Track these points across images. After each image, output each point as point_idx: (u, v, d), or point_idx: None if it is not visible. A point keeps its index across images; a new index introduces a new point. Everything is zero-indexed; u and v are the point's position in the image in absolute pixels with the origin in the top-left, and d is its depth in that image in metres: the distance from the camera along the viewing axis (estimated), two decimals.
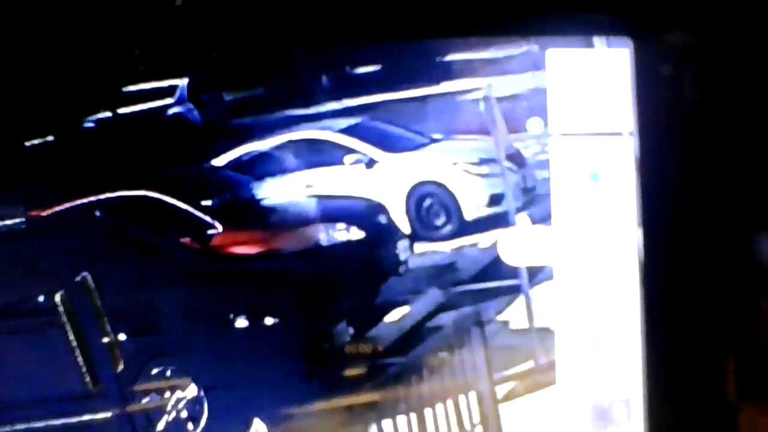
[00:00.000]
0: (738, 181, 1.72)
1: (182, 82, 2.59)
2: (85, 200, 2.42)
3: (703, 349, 1.77)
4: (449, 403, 2.28)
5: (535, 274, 2.22)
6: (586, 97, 1.78)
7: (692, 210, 1.75)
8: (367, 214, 2.54)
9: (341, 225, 2.49)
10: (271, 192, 2.53)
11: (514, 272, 2.28)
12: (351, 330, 2.39)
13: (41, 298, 2.32)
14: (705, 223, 1.74)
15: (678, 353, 1.77)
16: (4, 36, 1.80)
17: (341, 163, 2.60)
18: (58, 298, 2.31)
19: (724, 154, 1.73)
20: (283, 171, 2.54)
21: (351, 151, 2.61)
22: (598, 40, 1.77)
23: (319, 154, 2.58)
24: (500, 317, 2.40)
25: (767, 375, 1.76)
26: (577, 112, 1.79)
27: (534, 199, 2.40)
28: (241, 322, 2.39)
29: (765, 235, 1.74)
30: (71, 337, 2.31)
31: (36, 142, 2.44)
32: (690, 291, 1.75)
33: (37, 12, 1.79)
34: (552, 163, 1.81)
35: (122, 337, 2.34)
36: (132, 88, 2.47)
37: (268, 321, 2.39)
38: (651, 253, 1.76)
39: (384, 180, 2.59)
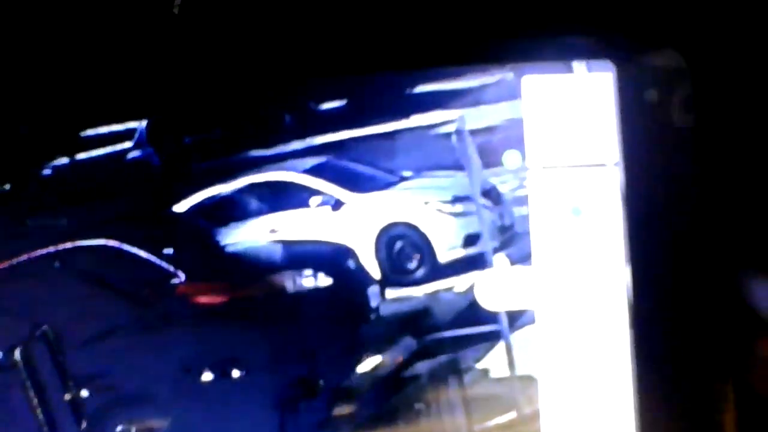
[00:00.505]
0: (732, 213, 1.61)
1: (141, 124, 2.50)
2: (43, 251, 2.38)
3: (699, 396, 1.67)
4: None
5: (516, 319, 2.13)
6: (566, 126, 1.68)
7: (683, 246, 1.65)
8: (334, 259, 2.48)
9: (308, 271, 2.42)
10: (234, 238, 2.48)
11: (493, 317, 2.19)
12: (321, 382, 2.31)
13: (0, 355, 2.26)
14: (697, 260, 1.65)
15: (671, 401, 1.67)
16: None
17: (307, 205, 2.54)
18: (17, 354, 2.25)
19: (717, 184, 1.63)
20: (247, 215, 2.50)
21: (317, 192, 2.55)
22: (578, 65, 1.67)
23: (283, 197, 2.53)
24: (479, 365, 2.31)
25: (765, 421, 1.65)
26: (557, 143, 1.69)
27: (512, 238, 2.34)
28: (207, 376, 2.34)
29: (759, 274, 1.61)
30: (32, 394, 2.25)
31: None
32: (683, 333, 1.65)
33: None
34: (531, 199, 1.72)
35: (85, 393, 2.29)
36: (89, 132, 2.42)
37: (235, 373, 2.34)
38: (640, 293, 1.66)
39: (352, 222, 2.51)
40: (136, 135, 2.55)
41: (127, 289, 2.41)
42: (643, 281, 1.68)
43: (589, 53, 1.67)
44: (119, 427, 2.31)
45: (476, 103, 2.27)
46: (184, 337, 2.36)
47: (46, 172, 2.46)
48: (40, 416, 2.26)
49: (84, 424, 2.29)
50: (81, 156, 2.47)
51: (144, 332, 2.35)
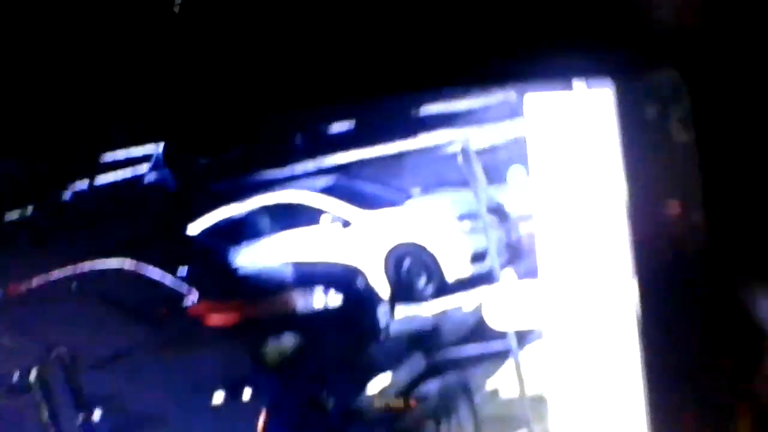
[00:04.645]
0: (734, 227, 1.58)
1: (157, 148, 2.50)
2: (61, 273, 2.38)
3: (710, 412, 1.64)
4: None
5: (525, 336, 2.10)
6: (568, 143, 1.67)
7: (688, 259, 1.63)
8: (344, 279, 2.46)
9: (319, 291, 2.40)
10: (247, 258, 2.48)
11: (502, 334, 2.15)
12: (332, 401, 2.28)
13: (15, 377, 2.26)
14: (703, 273, 1.63)
15: (682, 418, 1.64)
16: None
17: (318, 224, 2.53)
18: (33, 375, 2.24)
19: (718, 198, 1.61)
20: (259, 236, 2.49)
21: (327, 212, 2.54)
22: (578, 82, 1.66)
23: (295, 217, 2.52)
24: (489, 384, 2.28)
25: None
26: (561, 159, 1.68)
27: (519, 254, 2.29)
28: (219, 396, 2.31)
29: (764, 288, 1.59)
30: (46, 416, 2.24)
31: (14, 215, 2.42)
32: (693, 348, 1.63)
33: (11, 83, 1.74)
34: (536, 215, 1.69)
35: (98, 414, 2.28)
36: (108, 157, 2.42)
37: (246, 395, 2.30)
38: (648, 307, 1.64)
39: (361, 241, 2.51)
40: (153, 159, 2.56)
41: (142, 310, 2.41)
42: (650, 295, 1.65)
43: (589, 71, 1.65)
44: None
45: (480, 122, 2.26)
46: (197, 358, 2.35)
47: (66, 196, 2.47)
48: None
49: None
50: (100, 180, 2.48)
51: (157, 353, 2.34)
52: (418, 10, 1.70)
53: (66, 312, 2.34)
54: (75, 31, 1.75)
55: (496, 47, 1.68)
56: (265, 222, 2.48)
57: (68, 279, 2.37)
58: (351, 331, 2.36)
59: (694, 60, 1.60)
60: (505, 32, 1.67)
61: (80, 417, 2.24)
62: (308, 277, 2.42)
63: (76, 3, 1.76)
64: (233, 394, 2.30)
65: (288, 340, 2.29)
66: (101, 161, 2.43)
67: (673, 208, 1.63)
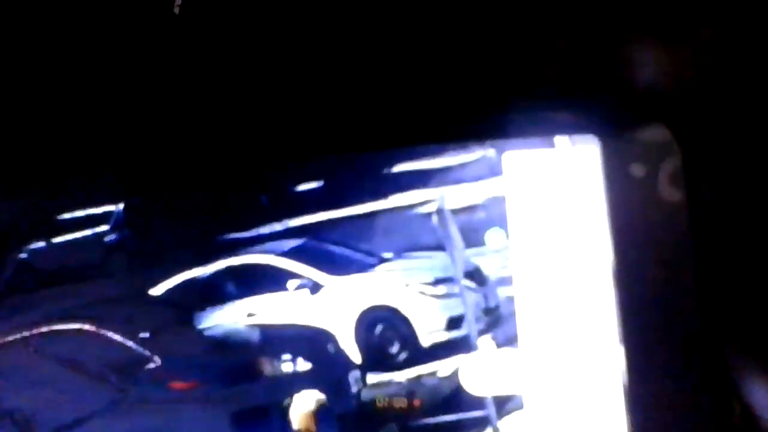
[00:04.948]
0: (727, 293, 1.52)
1: (118, 207, 2.46)
2: (17, 335, 2.31)
3: None
4: None
5: (504, 404, 2.01)
6: (551, 203, 1.63)
7: (678, 326, 1.58)
8: (313, 344, 2.38)
9: (286, 356, 2.34)
10: (211, 322, 2.41)
11: (479, 403, 2.07)
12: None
13: None
14: (693, 341, 1.57)
15: None
16: None
17: (285, 288, 2.45)
18: None
19: (709, 261, 1.56)
20: (224, 299, 2.43)
21: (295, 275, 2.46)
22: (561, 139, 1.62)
23: (261, 280, 2.44)
24: None
25: None
26: (542, 220, 1.63)
27: (498, 320, 2.22)
28: None
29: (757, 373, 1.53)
30: None
31: None
32: (685, 422, 1.57)
33: None
34: (515, 279, 1.65)
35: None
36: (66, 216, 2.37)
37: None
38: (636, 376, 1.58)
39: (331, 305, 2.42)
40: (113, 218, 2.50)
41: (102, 373, 2.35)
42: (638, 364, 1.59)
43: (573, 128, 1.61)
44: None
45: (457, 181, 2.21)
46: (160, 423, 2.29)
47: (23, 255, 2.42)
48: None
49: None
50: (57, 239, 2.43)
51: (119, 418, 2.29)
52: (389, 60, 1.65)
53: (23, 375, 2.28)
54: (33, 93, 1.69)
55: (474, 100, 1.64)
56: (230, 285, 2.43)
57: (25, 341, 2.32)
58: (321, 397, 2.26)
59: (684, 115, 1.56)
60: (484, 85, 1.64)
61: None
62: (276, 340, 2.37)
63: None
64: None
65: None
66: (60, 220, 2.38)
67: (662, 271, 1.58)
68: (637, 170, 1.59)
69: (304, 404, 2.16)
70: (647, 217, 1.58)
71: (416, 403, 2.23)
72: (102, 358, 2.36)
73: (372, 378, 2.37)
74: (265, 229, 2.44)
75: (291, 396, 2.26)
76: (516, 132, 1.63)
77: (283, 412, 2.22)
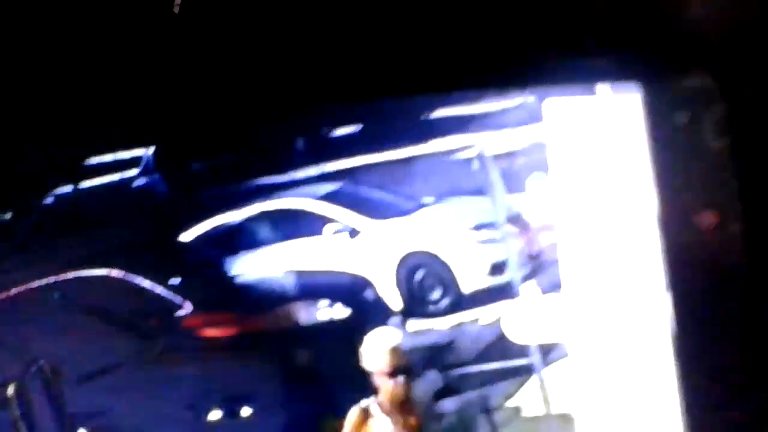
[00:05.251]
0: None
1: (147, 151, 2.44)
2: (42, 282, 2.35)
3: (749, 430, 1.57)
4: None
5: (548, 352, 2.04)
6: (592, 150, 1.62)
7: (724, 270, 1.55)
8: (352, 290, 2.39)
9: (323, 302, 2.32)
10: (244, 268, 2.42)
11: (523, 350, 2.10)
12: (337, 421, 2.19)
13: None
14: (739, 284, 1.55)
15: None
16: None
17: (321, 234, 2.47)
18: (11, 390, 2.19)
19: (758, 205, 1.55)
20: (258, 245, 2.44)
21: (332, 220, 2.48)
22: (602, 87, 1.62)
23: (296, 225, 2.44)
24: (511, 403, 2.19)
25: None
26: (584, 167, 1.63)
27: (541, 267, 2.23)
28: (215, 414, 2.27)
29: None
30: None
31: None
32: (732, 364, 1.55)
33: None
34: (559, 225, 1.64)
35: None
36: (93, 160, 2.34)
37: (245, 412, 2.25)
38: (684, 321, 1.57)
39: (370, 251, 2.43)
40: (143, 162, 2.51)
41: (131, 321, 2.36)
42: (685, 309, 1.59)
43: (615, 75, 1.61)
44: None
45: (498, 127, 2.22)
46: (190, 373, 2.29)
47: (48, 200, 2.44)
48: None
49: None
50: (85, 184, 2.47)
51: (147, 368, 2.30)
52: (432, 5, 1.62)
53: (48, 323, 2.29)
54: (64, 31, 1.72)
55: (515, 46, 1.63)
56: (264, 230, 2.42)
57: (50, 287, 2.33)
58: (359, 345, 2.22)
59: (727, 62, 1.55)
60: (525, 31, 1.65)
61: None
62: (312, 288, 2.35)
63: (67, 5, 1.67)
64: (230, 411, 2.25)
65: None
66: (87, 164, 2.43)
67: (708, 217, 1.58)
68: (681, 118, 1.58)
69: (383, 341, 2.10)
70: (692, 164, 1.58)
71: None
72: (129, 306, 2.41)
73: (412, 325, 2.39)
74: (301, 173, 2.44)
75: (324, 344, 2.26)
76: (556, 80, 1.62)
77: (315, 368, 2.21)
